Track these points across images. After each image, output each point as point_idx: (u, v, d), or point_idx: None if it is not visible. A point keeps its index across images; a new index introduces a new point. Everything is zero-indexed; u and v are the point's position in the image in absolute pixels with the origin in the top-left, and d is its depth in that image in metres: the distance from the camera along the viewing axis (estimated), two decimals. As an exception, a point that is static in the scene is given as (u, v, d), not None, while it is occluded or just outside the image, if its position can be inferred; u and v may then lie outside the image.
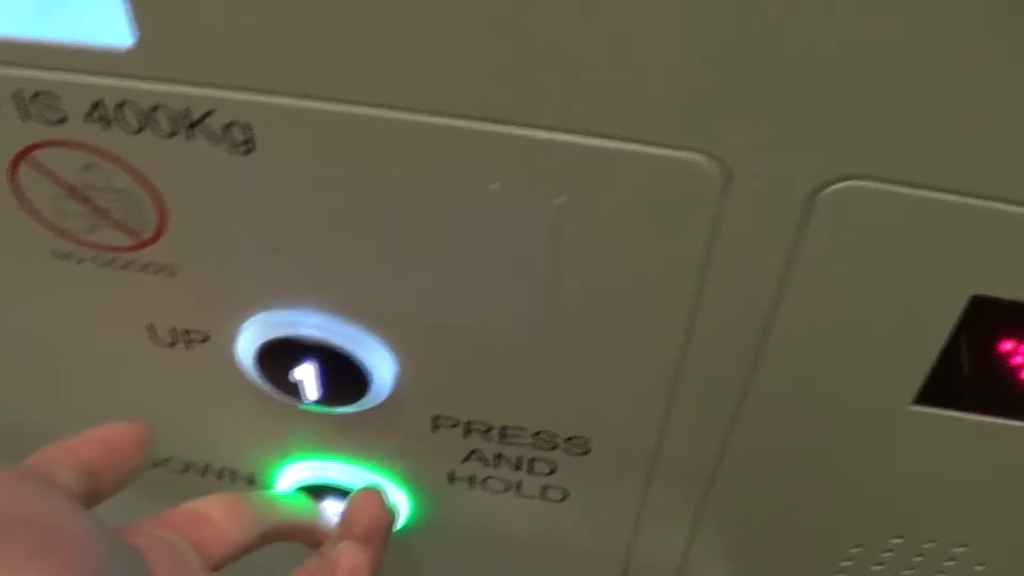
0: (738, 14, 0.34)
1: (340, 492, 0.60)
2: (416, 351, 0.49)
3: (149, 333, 0.52)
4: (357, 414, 0.53)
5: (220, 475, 0.63)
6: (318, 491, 0.60)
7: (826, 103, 0.36)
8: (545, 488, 0.57)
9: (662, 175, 0.39)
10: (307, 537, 0.59)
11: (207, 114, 0.41)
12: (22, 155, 0.44)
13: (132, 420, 0.48)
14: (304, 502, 0.59)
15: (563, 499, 0.57)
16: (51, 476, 0.43)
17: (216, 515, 0.51)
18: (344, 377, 0.50)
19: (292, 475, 0.61)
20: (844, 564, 0.60)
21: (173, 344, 0.53)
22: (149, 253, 0.47)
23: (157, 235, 0.46)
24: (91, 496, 0.45)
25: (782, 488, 0.55)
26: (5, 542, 0.38)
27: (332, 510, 0.60)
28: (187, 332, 0.52)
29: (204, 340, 0.52)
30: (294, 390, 0.51)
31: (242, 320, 0.50)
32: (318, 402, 0.51)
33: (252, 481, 0.62)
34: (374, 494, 0.57)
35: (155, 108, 0.41)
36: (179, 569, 0.47)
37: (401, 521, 0.62)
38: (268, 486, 0.62)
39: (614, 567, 0.65)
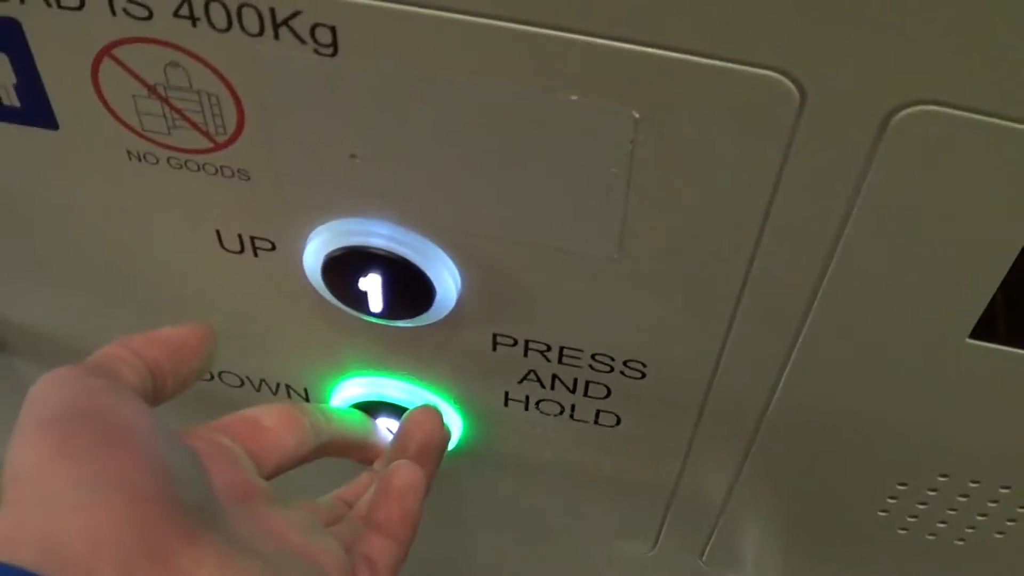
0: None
1: (394, 410, 0.60)
2: (483, 266, 0.50)
3: (217, 238, 0.53)
4: (418, 329, 0.54)
5: (275, 390, 0.64)
6: (372, 408, 0.61)
7: (904, 25, 0.36)
8: (598, 412, 0.57)
9: (738, 92, 0.40)
10: (360, 453, 0.60)
11: (294, 14, 0.41)
12: (106, 51, 0.45)
13: (196, 323, 0.49)
14: (359, 418, 0.60)
15: (615, 425, 0.58)
16: (115, 372, 0.44)
17: (272, 424, 0.52)
18: (409, 289, 0.50)
19: (347, 391, 0.61)
20: (889, 502, 0.60)
21: (240, 251, 0.53)
22: (224, 156, 0.48)
23: (234, 138, 0.47)
24: (153, 395, 0.45)
25: (831, 426, 0.55)
26: (72, 433, 0.38)
27: (385, 427, 0.60)
28: (255, 239, 0.52)
29: (271, 248, 0.52)
30: (358, 301, 0.51)
31: (311, 228, 0.50)
32: (381, 314, 0.51)
33: (307, 397, 0.63)
34: (431, 412, 0.58)
35: (242, 6, 0.41)
36: (234, 474, 0.47)
37: (453, 442, 0.63)
38: (323, 402, 0.63)
39: (658, 501, 0.65)
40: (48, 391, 0.41)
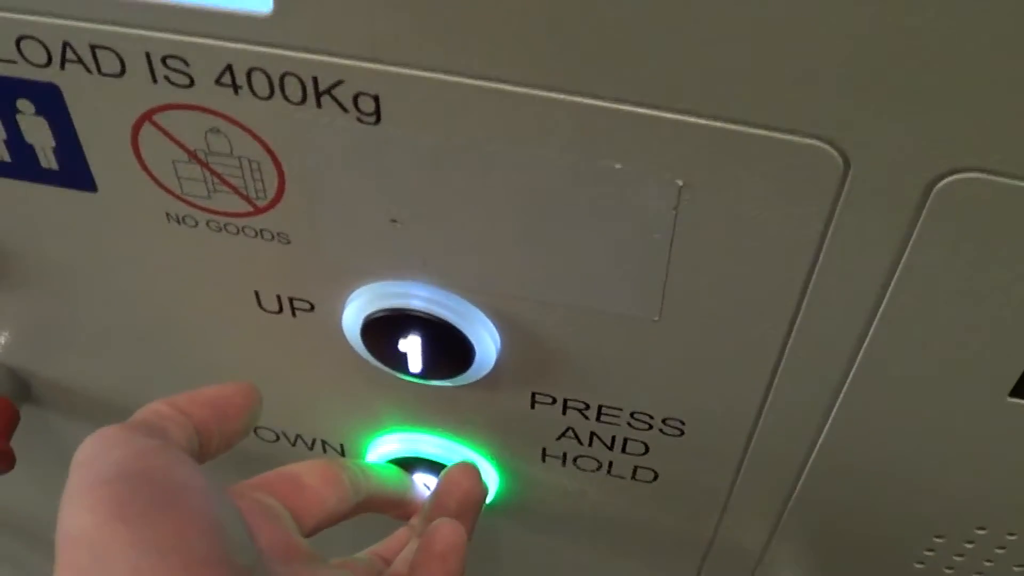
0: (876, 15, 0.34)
1: (431, 466, 0.60)
2: (522, 327, 0.50)
3: (256, 299, 0.53)
4: (457, 388, 0.53)
5: (311, 446, 0.64)
6: (409, 464, 0.61)
7: (947, 94, 0.36)
8: (636, 468, 0.57)
9: (782, 160, 0.40)
10: (398, 509, 0.59)
11: (336, 83, 0.41)
12: (146, 116, 0.45)
13: (240, 382, 0.48)
14: (396, 474, 0.60)
15: (652, 480, 0.58)
16: (163, 431, 0.44)
17: (313, 482, 0.52)
18: (448, 350, 0.50)
19: (384, 448, 0.61)
20: (925, 554, 0.60)
21: (279, 311, 0.53)
22: (264, 220, 0.48)
23: (274, 202, 0.47)
24: (198, 455, 0.45)
25: (869, 481, 0.55)
26: (127, 496, 0.38)
27: (422, 483, 0.60)
28: (294, 300, 0.52)
29: (310, 309, 0.52)
30: (397, 362, 0.51)
31: (350, 290, 0.50)
32: (421, 375, 0.51)
33: (343, 453, 0.63)
34: (469, 469, 0.57)
35: (284, 75, 0.41)
36: (277, 533, 0.47)
37: (488, 497, 0.63)
38: (360, 457, 0.63)
39: (694, 555, 0.65)
40: (98, 452, 0.40)
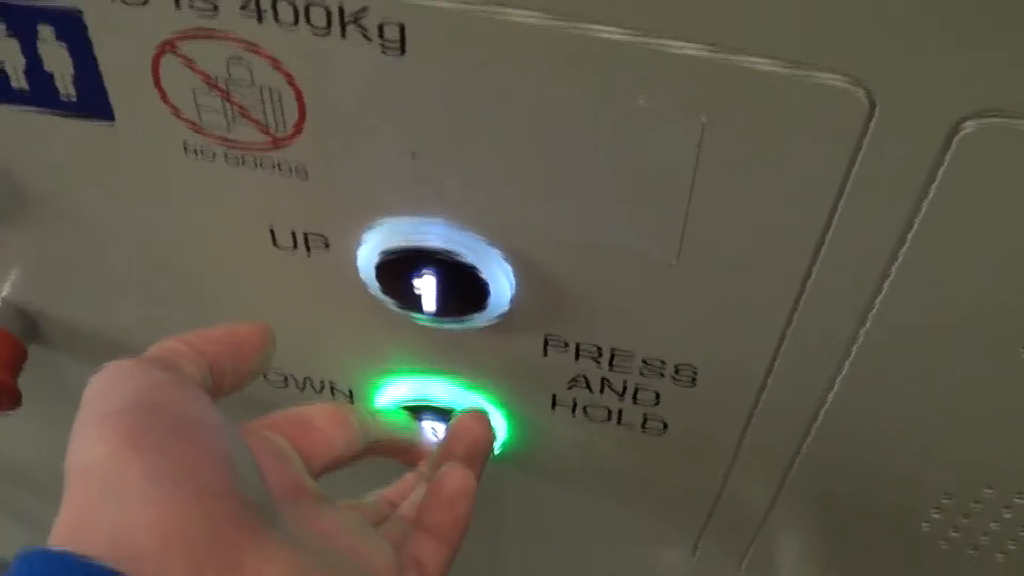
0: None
1: (439, 412, 0.60)
2: (538, 267, 0.49)
3: (271, 236, 0.53)
4: (469, 330, 0.53)
5: (319, 389, 0.63)
6: (417, 410, 0.60)
7: (976, 33, 0.36)
8: (646, 418, 0.57)
9: (808, 98, 0.39)
10: (406, 454, 0.59)
11: (362, 11, 0.41)
12: (168, 44, 0.45)
13: (256, 321, 0.48)
14: (405, 419, 0.60)
15: (662, 431, 0.58)
16: (177, 367, 0.44)
17: (322, 424, 0.52)
18: (463, 290, 0.50)
19: (393, 392, 0.61)
20: (932, 515, 0.59)
21: (293, 248, 0.53)
22: (283, 153, 0.48)
23: (294, 135, 0.47)
24: (211, 393, 0.45)
25: (879, 436, 0.55)
26: (141, 426, 0.38)
27: (430, 429, 0.60)
28: (309, 236, 0.52)
29: (325, 246, 0.52)
30: (411, 301, 0.51)
31: (366, 227, 0.50)
32: (434, 315, 0.51)
33: (351, 397, 0.63)
34: (479, 416, 0.57)
35: (310, 4, 0.41)
36: (285, 473, 0.47)
37: (496, 446, 0.62)
38: (369, 401, 0.63)
39: (701, 509, 0.65)
40: (112, 383, 0.40)
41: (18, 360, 0.65)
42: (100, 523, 0.35)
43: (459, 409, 0.59)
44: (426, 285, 0.49)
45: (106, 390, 0.40)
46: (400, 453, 0.59)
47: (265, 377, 0.64)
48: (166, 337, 0.45)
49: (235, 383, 0.47)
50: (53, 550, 0.35)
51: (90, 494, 0.36)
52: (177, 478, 0.37)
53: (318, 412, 0.52)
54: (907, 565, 0.65)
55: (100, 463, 0.37)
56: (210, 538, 0.36)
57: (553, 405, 0.58)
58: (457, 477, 0.52)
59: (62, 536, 0.35)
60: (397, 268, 0.50)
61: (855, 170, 0.41)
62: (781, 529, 0.65)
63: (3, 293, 0.64)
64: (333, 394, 0.63)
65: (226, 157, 0.49)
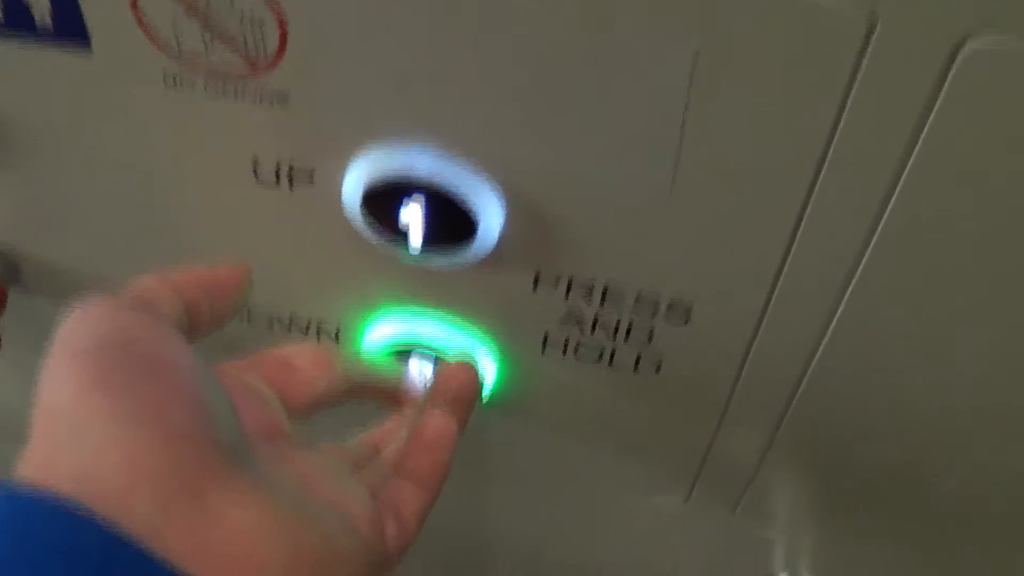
0: None
1: (426, 352, 0.59)
2: (528, 199, 0.48)
3: (253, 170, 0.51)
4: (458, 267, 0.52)
5: (306, 329, 0.62)
6: (405, 350, 0.59)
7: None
8: (639, 359, 0.56)
9: (805, 19, 0.38)
10: (389, 397, 0.59)
11: (344, -74, 0.40)
12: (145, -33, 0.44)
13: (233, 261, 0.47)
14: (389, 362, 0.59)
15: (655, 372, 0.56)
16: (152, 306, 0.43)
17: (303, 364, 0.51)
18: (451, 222, 0.49)
19: (380, 333, 0.60)
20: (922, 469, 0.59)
21: (276, 183, 0.52)
22: (264, 80, 0.47)
23: (275, 61, 0.46)
24: (187, 333, 0.44)
25: (874, 382, 0.54)
26: (110, 366, 0.37)
27: (418, 370, 0.59)
28: (293, 169, 0.51)
29: (309, 179, 0.51)
30: (398, 236, 0.50)
31: (351, 156, 0.49)
32: (422, 249, 0.50)
33: (338, 338, 0.62)
34: (467, 363, 0.57)
35: (290, -82, 0.40)
36: (263, 415, 0.46)
37: (485, 391, 0.61)
38: (354, 343, 0.62)
39: (694, 455, 0.64)
40: (83, 322, 0.39)
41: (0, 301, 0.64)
42: (65, 463, 0.35)
43: (447, 351, 0.58)
44: (413, 216, 0.48)
45: (76, 329, 0.39)
46: (384, 396, 0.58)
47: (249, 316, 0.62)
48: (141, 275, 0.44)
49: (212, 323, 0.46)
50: (16, 486, 0.34)
51: (56, 434, 0.36)
52: (144, 418, 0.36)
53: (299, 352, 0.52)
54: (902, 510, 0.64)
55: (67, 403, 0.36)
56: (176, 479, 0.35)
57: (544, 345, 0.57)
58: (438, 422, 0.52)
59: (28, 474, 0.35)
60: (383, 200, 0.49)
61: (852, 96, 0.40)
62: (775, 476, 0.64)
63: (-18, 234, 0.63)
64: (319, 335, 0.62)
65: (206, 87, 0.48)
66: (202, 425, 0.37)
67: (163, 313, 0.43)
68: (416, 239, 0.49)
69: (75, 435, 0.35)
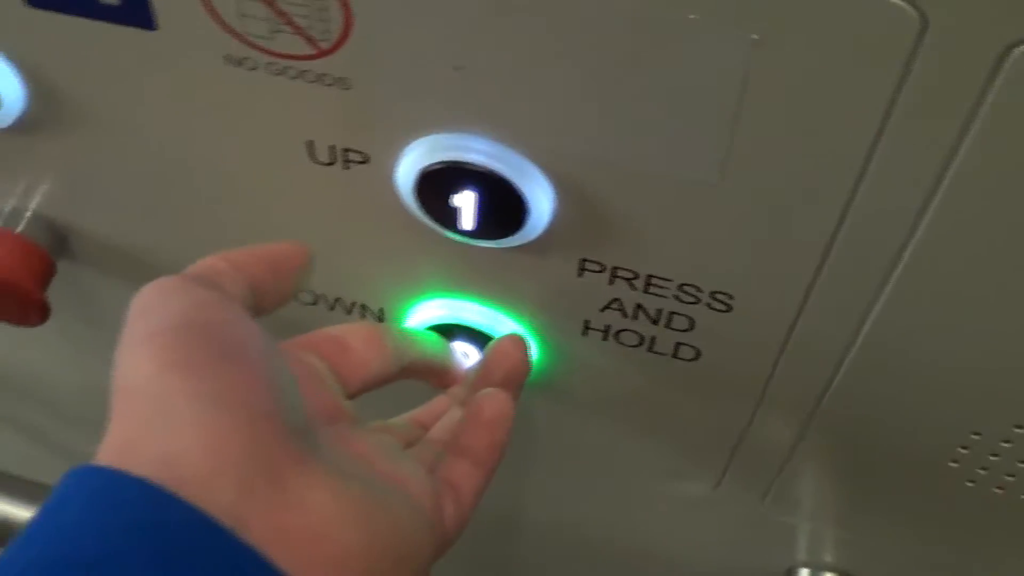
0: None
1: (471, 334, 0.60)
2: (578, 187, 0.49)
3: (308, 150, 0.52)
4: (504, 251, 0.53)
5: (349, 309, 0.63)
6: (448, 332, 0.60)
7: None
8: (678, 346, 0.57)
9: (859, 16, 0.39)
10: (438, 376, 0.59)
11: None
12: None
13: (296, 241, 0.48)
14: (438, 341, 0.59)
15: (693, 359, 0.57)
16: (219, 286, 0.43)
17: (357, 344, 0.52)
18: (503, 208, 0.50)
19: (424, 313, 0.61)
20: (960, 452, 0.59)
21: (331, 163, 0.53)
22: (325, 64, 0.47)
23: (338, 45, 0.46)
24: (251, 312, 0.44)
25: (911, 372, 0.55)
26: (189, 346, 0.38)
27: (461, 352, 0.60)
28: (348, 151, 0.52)
29: (363, 161, 0.52)
30: (449, 219, 0.51)
31: (407, 142, 0.50)
32: (472, 233, 0.51)
33: (381, 318, 0.63)
34: (520, 341, 0.57)
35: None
36: (322, 395, 0.47)
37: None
38: (399, 324, 0.63)
39: (727, 442, 0.65)
40: (159, 300, 0.40)
41: (47, 274, 0.65)
42: (148, 443, 0.35)
43: (493, 332, 0.59)
44: (465, 201, 0.49)
45: (153, 307, 0.40)
46: (432, 375, 0.59)
47: (296, 299, 0.63)
48: (208, 256, 0.45)
49: (275, 302, 0.47)
50: (103, 467, 0.35)
51: (138, 414, 0.36)
52: (226, 400, 0.36)
53: (353, 332, 0.52)
54: (931, 504, 0.65)
55: (148, 383, 0.37)
56: (258, 462, 0.36)
57: (585, 330, 0.58)
58: (498, 401, 0.52)
59: (110, 455, 0.35)
60: (437, 184, 0.50)
61: (903, 91, 0.41)
62: (806, 466, 0.65)
63: (33, 205, 0.64)
64: (363, 314, 0.63)
65: (267, 67, 0.48)
66: (279, 408, 0.37)
67: (231, 292, 0.43)
68: (467, 223, 0.50)
69: (157, 415, 0.36)
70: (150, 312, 0.39)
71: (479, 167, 0.48)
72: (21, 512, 0.75)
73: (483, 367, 0.56)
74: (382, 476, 0.43)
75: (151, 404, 0.36)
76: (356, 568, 0.37)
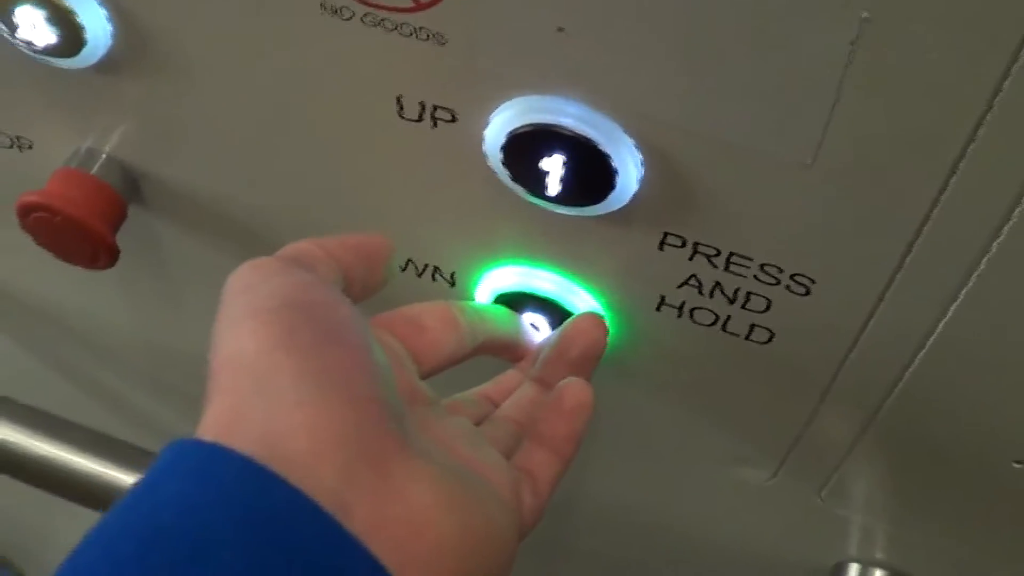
0: None
1: (542, 304, 0.59)
2: (669, 158, 0.49)
3: (397, 105, 0.52)
4: (586, 220, 0.53)
5: (421, 272, 0.63)
6: (519, 301, 0.60)
7: None
8: (752, 327, 0.56)
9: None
10: (510, 352, 0.59)
11: None
12: None
13: (377, 235, 0.48)
14: (509, 316, 0.59)
15: (766, 342, 0.57)
16: (315, 270, 0.43)
17: (433, 324, 0.51)
18: (591, 174, 0.49)
19: (495, 280, 0.60)
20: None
21: (419, 119, 0.52)
22: (423, 17, 0.47)
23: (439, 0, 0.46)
24: None
25: (985, 368, 0.54)
26: (294, 325, 0.38)
27: (531, 323, 0.60)
28: (437, 108, 0.51)
29: (452, 119, 0.51)
30: (535, 183, 0.51)
31: (498, 102, 0.49)
32: (558, 198, 0.50)
33: (453, 282, 0.62)
34: (597, 320, 0.57)
35: None
36: (401, 375, 0.46)
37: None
38: (469, 289, 0.62)
39: (788, 431, 0.64)
40: (260, 278, 0.40)
41: (118, 217, 0.65)
42: (251, 421, 0.35)
43: (565, 303, 0.58)
44: (554, 165, 0.49)
45: (254, 284, 0.40)
46: (505, 351, 0.59)
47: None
48: (300, 241, 0.45)
49: (362, 294, 0.47)
50: (206, 442, 0.34)
51: (240, 391, 0.36)
52: (330, 381, 0.36)
53: (428, 312, 0.52)
54: (990, 505, 0.64)
55: (252, 360, 0.37)
56: (361, 446, 0.35)
57: (659, 305, 0.57)
58: (579, 389, 0.52)
59: (212, 430, 0.35)
60: (526, 146, 0.50)
61: (1009, 79, 0.40)
62: (866, 460, 0.64)
63: (109, 147, 0.64)
64: (435, 278, 0.63)
65: (364, 18, 0.48)
66: (380, 392, 0.37)
67: (326, 278, 0.43)
68: (554, 187, 0.50)
69: (260, 393, 0.35)
70: (252, 288, 0.39)
71: (570, 131, 0.48)
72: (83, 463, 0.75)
73: (559, 343, 0.56)
74: (465, 464, 0.43)
75: (255, 381, 0.36)
76: (450, 562, 0.36)
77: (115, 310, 0.83)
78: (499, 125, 0.49)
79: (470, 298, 0.62)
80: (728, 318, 0.56)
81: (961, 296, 0.49)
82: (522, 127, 0.49)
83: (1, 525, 1.37)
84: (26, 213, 0.63)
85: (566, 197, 0.50)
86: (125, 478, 0.73)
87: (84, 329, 0.89)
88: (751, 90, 0.44)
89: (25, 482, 0.77)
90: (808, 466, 0.66)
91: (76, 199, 0.61)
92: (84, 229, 0.62)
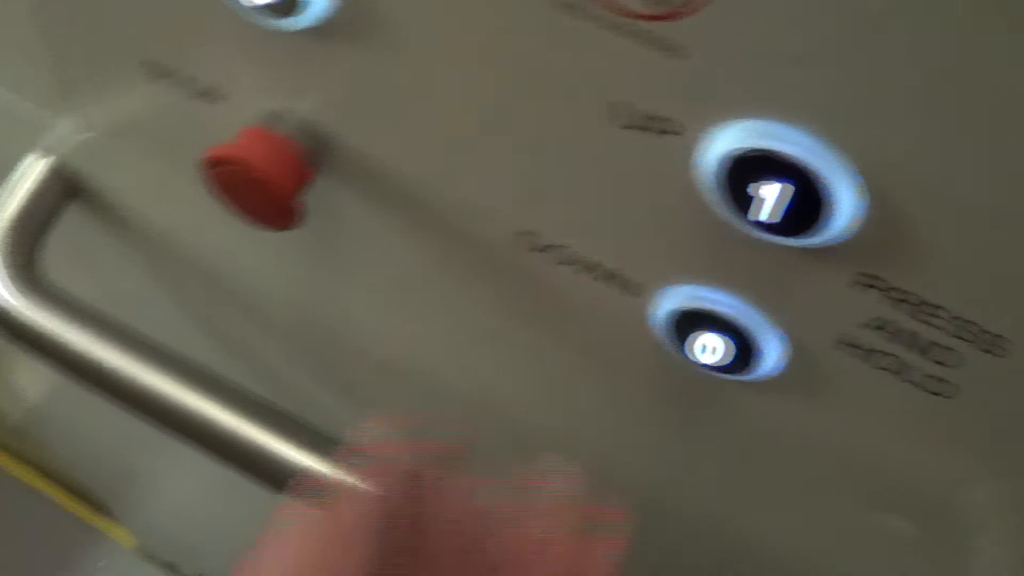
0: None
1: (716, 323, 0.59)
2: (888, 200, 0.48)
3: (610, 108, 0.52)
4: (781, 247, 0.52)
5: (607, 279, 0.62)
6: (694, 320, 0.59)
7: None
8: (933, 380, 0.55)
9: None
10: None
11: None
12: None
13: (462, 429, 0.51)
14: None
15: (947, 398, 0.55)
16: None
17: None
18: (808, 207, 0.49)
19: (677, 297, 0.60)
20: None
21: (629, 127, 0.52)
22: (670, 27, 0.47)
23: (689, 12, 0.45)
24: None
25: None
26: None
27: (701, 346, 0.59)
28: (652, 118, 0.51)
29: (665, 131, 0.51)
30: (742, 207, 0.50)
31: (721, 121, 0.49)
32: (766, 225, 0.50)
33: (638, 293, 0.62)
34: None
35: None
36: None
37: (764, 371, 0.61)
38: (646, 298, 0.62)
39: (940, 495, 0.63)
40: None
41: (307, 178, 0.65)
42: None
43: (742, 325, 0.58)
44: (771, 193, 0.48)
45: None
46: None
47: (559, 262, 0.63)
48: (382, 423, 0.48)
49: (430, 489, 0.49)
50: None
51: None
52: None
53: None
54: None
55: None
56: None
57: (837, 343, 0.56)
58: None
59: None
60: (740, 169, 0.49)
61: None
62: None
63: (305, 111, 0.64)
64: (623, 288, 0.62)
65: (597, 20, 0.48)
66: None
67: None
68: (766, 214, 0.49)
69: None
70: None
71: (795, 161, 0.47)
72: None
73: None
74: None
75: None
76: None
77: (278, 279, 0.83)
78: (715, 143, 0.49)
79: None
80: (909, 366, 0.55)
81: None
82: (747, 150, 0.48)
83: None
84: (214, 165, 0.63)
85: (775, 226, 0.50)
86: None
87: (243, 293, 0.90)
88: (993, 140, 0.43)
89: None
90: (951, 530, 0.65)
91: (270, 157, 0.62)
92: (270, 187, 0.63)
